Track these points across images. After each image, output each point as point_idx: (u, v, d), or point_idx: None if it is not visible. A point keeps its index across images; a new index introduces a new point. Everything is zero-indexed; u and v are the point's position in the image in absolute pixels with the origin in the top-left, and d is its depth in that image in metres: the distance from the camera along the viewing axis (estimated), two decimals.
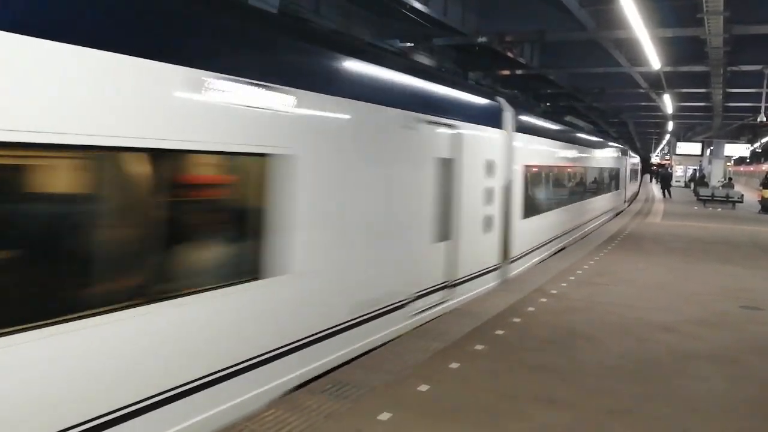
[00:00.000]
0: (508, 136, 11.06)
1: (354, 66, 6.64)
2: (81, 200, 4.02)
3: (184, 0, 4.72)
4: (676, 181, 53.32)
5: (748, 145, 42.53)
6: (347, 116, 6.31)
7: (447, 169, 8.62)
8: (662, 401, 5.72)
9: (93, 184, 4.03)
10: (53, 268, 3.82)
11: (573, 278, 11.49)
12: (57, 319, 3.64)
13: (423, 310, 8.14)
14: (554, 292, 10.25)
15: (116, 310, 4.00)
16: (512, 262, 11.69)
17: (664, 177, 43.10)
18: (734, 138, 41.77)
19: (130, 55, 3.97)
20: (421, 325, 8.07)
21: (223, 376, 4.87)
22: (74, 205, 4.00)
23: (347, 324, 6.50)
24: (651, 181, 60.40)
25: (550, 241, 15.23)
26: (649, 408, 5.54)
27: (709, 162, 45.42)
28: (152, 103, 4.18)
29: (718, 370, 6.67)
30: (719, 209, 30.22)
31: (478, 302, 9.62)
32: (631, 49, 16.16)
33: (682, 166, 54.90)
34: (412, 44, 15.21)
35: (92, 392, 3.90)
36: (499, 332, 7.75)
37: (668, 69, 17.65)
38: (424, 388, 5.81)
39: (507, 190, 11.04)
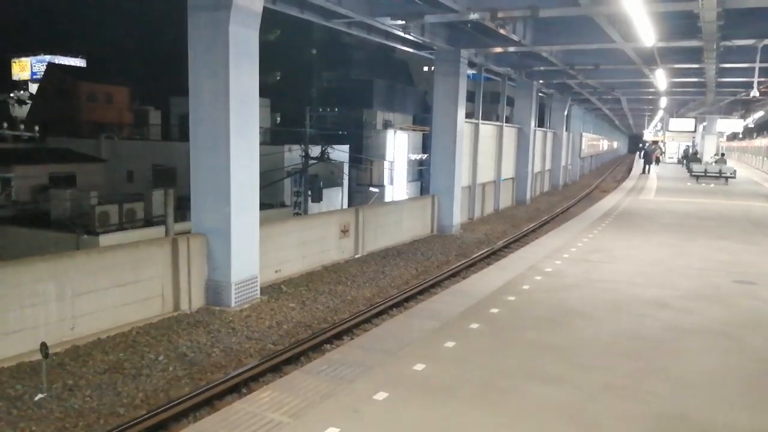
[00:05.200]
0: None
1: None
2: None
3: None
4: (669, 158, 53.32)
5: (742, 120, 42.52)
6: None
7: None
8: (657, 376, 5.74)
9: None
10: None
11: (567, 256, 11.50)
12: None
13: None
14: (549, 270, 10.26)
15: None
16: None
17: (646, 153, 43.05)
18: (727, 114, 41.72)
19: None
20: (416, 305, 8.07)
21: None
22: None
23: None
24: (640, 157, 60.71)
25: None
26: (644, 383, 5.57)
27: (702, 138, 45.42)
28: None
29: (712, 344, 6.71)
30: (712, 185, 30.29)
31: (473, 281, 9.62)
32: (624, 25, 16.02)
33: (675, 142, 54.89)
34: (404, 22, 15.01)
35: None
36: (494, 310, 7.76)
37: (661, 44, 17.51)
38: (419, 367, 5.81)
39: None
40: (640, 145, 64.78)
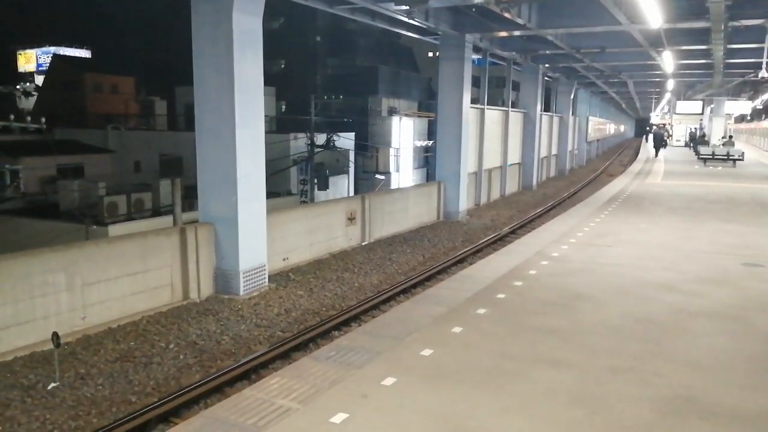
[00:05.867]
0: None
1: None
2: None
3: None
4: (677, 140, 53.00)
5: (750, 102, 42.14)
6: None
7: None
8: (664, 359, 5.76)
9: None
10: None
11: (574, 240, 11.48)
12: None
13: None
14: (555, 254, 10.26)
15: None
16: None
17: (656, 137, 42.74)
18: (735, 95, 41.33)
19: None
20: (423, 291, 8.10)
21: None
22: None
23: None
24: (647, 141, 60.73)
25: None
26: (651, 366, 5.58)
27: (710, 120, 45.08)
28: None
29: (720, 327, 6.71)
30: (720, 167, 30.11)
31: (480, 267, 9.64)
32: (630, 6, 15.87)
33: (682, 125, 54.52)
34: (408, 7, 14.92)
35: None
36: (501, 296, 7.78)
37: (668, 26, 17.34)
38: (427, 352, 5.85)
39: None
40: (647, 128, 64.57)
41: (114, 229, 15.68)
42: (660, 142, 40.73)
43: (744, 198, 18.13)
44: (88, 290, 9.33)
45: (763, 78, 21.65)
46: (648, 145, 54.33)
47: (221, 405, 4.97)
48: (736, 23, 17.08)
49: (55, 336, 7.67)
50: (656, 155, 38.84)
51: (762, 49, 18.91)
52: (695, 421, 4.61)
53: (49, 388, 7.46)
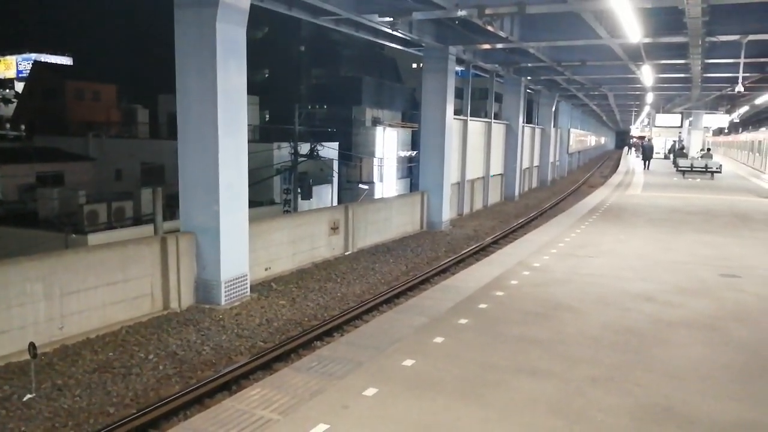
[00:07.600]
0: None
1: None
2: None
3: None
4: (656, 153, 53.81)
5: (727, 116, 42.89)
6: None
7: None
8: (643, 369, 5.82)
9: None
10: None
11: (555, 251, 11.58)
12: None
13: None
14: (537, 264, 10.33)
15: None
16: None
17: (645, 149, 43.22)
18: (713, 109, 42.06)
19: None
20: (405, 301, 8.10)
21: None
22: None
23: None
24: (629, 153, 61.61)
25: None
26: (631, 376, 5.64)
27: (689, 133, 45.81)
28: None
29: (698, 337, 6.80)
30: (698, 180, 30.56)
31: (462, 277, 9.68)
32: (610, 21, 16.14)
33: (661, 138, 55.33)
34: (392, 19, 15.02)
35: None
36: (483, 306, 7.82)
37: (647, 40, 17.65)
38: (409, 362, 5.85)
39: None
40: (629, 140, 65.56)
41: (94, 238, 15.52)
42: (650, 154, 41.15)
43: (722, 209, 18.42)
44: (67, 300, 9.20)
45: (739, 92, 22.06)
46: (630, 157, 55.03)
47: (201, 416, 4.93)
48: (713, 38, 17.42)
49: (32, 346, 7.55)
50: (645, 167, 39.14)
51: (738, 64, 19.29)
52: (674, 430, 4.66)
53: (25, 399, 7.33)
